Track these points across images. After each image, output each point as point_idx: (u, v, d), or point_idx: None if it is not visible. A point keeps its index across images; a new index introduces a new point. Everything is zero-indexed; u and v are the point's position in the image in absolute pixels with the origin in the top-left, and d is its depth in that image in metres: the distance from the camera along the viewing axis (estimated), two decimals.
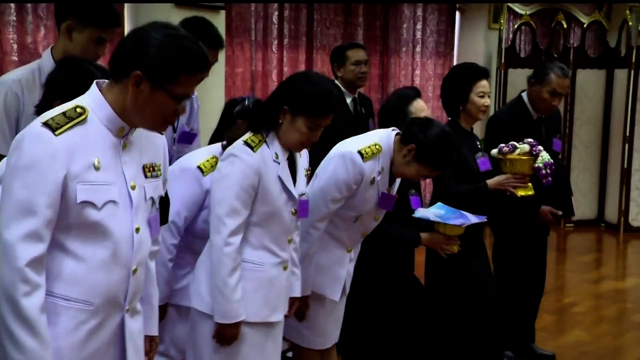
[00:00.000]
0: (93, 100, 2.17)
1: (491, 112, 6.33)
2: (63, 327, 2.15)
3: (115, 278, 2.21)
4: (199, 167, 3.16)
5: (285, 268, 2.99)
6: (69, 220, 2.11)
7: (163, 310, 3.11)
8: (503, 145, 4.12)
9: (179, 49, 2.13)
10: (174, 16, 4.95)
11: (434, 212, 3.73)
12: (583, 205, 8.97)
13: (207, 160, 3.18)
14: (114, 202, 2.17)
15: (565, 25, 9.48)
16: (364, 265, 3.72)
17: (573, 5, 11.45)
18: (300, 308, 3.33)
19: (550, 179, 4.17)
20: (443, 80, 4.29)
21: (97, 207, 2.13)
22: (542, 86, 4.63)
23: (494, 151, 4.18)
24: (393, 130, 3.46)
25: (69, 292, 2.15)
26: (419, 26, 8.91)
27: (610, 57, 9.03)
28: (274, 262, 2.94)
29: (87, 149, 2.11)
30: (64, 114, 2.10)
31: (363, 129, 4.60)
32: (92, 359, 2.22)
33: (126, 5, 5.65)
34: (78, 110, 2.13)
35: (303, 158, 3.10)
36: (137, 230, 2.24)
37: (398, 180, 3.54)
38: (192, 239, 3.21)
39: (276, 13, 7.13)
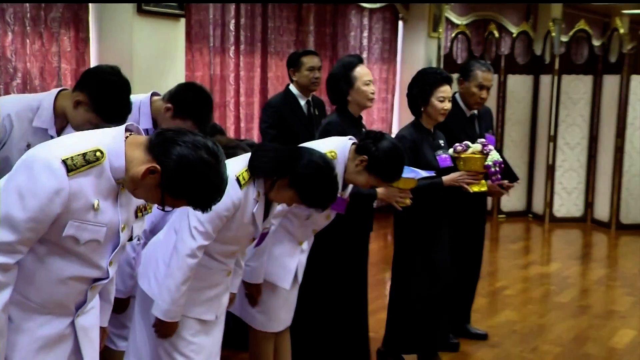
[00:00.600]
0: (115, 147, 2.05)
1: None
2: (16, 318, 2.09)
3: (74, 292, 2.15)
4: None
5: (228, 274, 2.95)
6: (51, 240, 2.02)
7: (127, 302, 3.17)
8: (457, 144, 4.12)
9: (196, 183, 2.07)
10: (136, 23, 4.80)
11: None
12: (513, 198, 9.05)
13: None
14: (97, 241, 2.08)
15: (496, 35, 9.51)
16: (318, 255, 3.70)
17: (503, 16, 11.53)
18: (252, 294, 3.39)
19: (499, 176, 4.15)
20: (409, 83, 4.22)
21: (79, 243, 2.04)
22: (470, 82, 4.69)
23: (450, 150, 4.17)
24: (350, 139, 3.46)
25: (28, 292, 2.08)
26: (365, 34, 8.85)
27: (536, 64, 9.09)
28: (220, 268, 2.90)
29: (91, 192, 2.02)
30: (84, 156, 1.99)
31: (316, 128, 4.60)
32: (47, 349, 2.15)
33: (90, 11, 5.42)
34: (97, 154, 2.02)
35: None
36: (111, 263, 2.18)
37: (350, 186, 3.53)
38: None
39: (233, 21, 7.01)
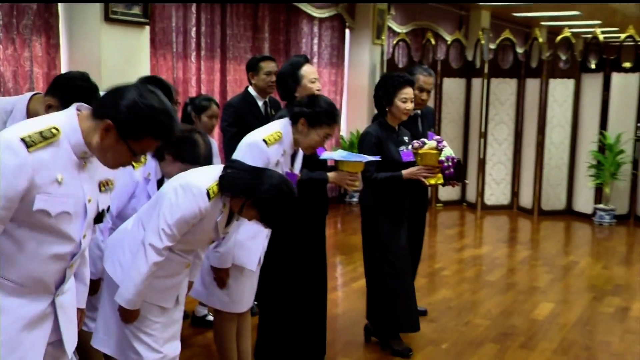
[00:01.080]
0: (69, 124, 2.06)
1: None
2: None
3: (52, 270, 2.13)
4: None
5: (187, 266, 2.92)
6: (23, 218, 2.00)
7: (98, 284, 3.08)
8: (415, 141, 4.10)
9: (148, 116, 2.04)
10: (104, 31, 4.76)
11: (338, 153, 3.78)
12: (449, 189, 9.07)
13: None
14: (67, 213, 2.06)
15: (433, 42, 9.61)
16: (278, 239, 3.65)
17: (438, 26, 11.68)
18: (222, 278, 3.35)
19: (452, 170, 4.08)
20: (376, 85, 4.23)
21: (50, 215, 2.02)
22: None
23: (409, 147, 4.16)
24: (288, 120, 3.47)
25: (8, 273, 2.06)
26: (315, 41, 8.87)
27: (468, 69, 9.18)
28: (180, 261, 2.87)
29: (53, 166, 2.01)
30: (40, 133, 1.99)
31: None
32: (29, 328, 2.12)
33: (60, 18, 5.34)
34: (53, 131, 2.02)
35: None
36: (84, 236, 2.17)
37: (298, 164, 3.56)
38: (121, 223, 3.10)
39: (194, 29, 6.96)
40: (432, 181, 4.10)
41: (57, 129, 2.03)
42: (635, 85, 8.34)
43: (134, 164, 2.59)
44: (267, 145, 3.31)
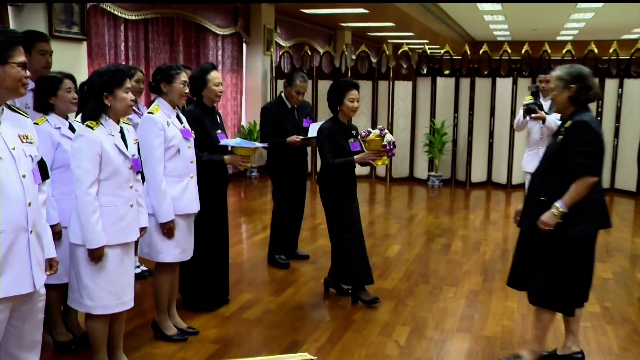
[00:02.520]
0: None
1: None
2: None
3: (17, 209, 2.06)
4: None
5: (132, 206, 2.81)
6: None
7: (57, 227, 2.96)
8: (362, 130, 3.95)
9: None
10: (51, 45, 4.48)
11: (233, 140, 3.75)
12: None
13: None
14: (0, 158, 2.02)
15: (309, 53, 9.64)
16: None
17: (314, 41, 11.77)
18: (170, 229, 3.24)
19: (393, 152, 3.87)
20: (328, 89, 4.04)
21: None
22: (291, 87, 4.71)
23: (359, 136, 4.01)
24: (157, 97, 3.38)
25: None
26: (220, 52, 8.74)
27: (336, 73, 9.20)
28: (122, 202, 2.75)
29: None
30: None
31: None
32: (10, 271, 2.07)
33: None
34: None
35: (131, 132, 2.89)
36: (24, 176, 2.10)
37: (182, 117, 3.43)
38: (59, 175, 3.05)
39: (123, 43, 6.70)
40: (379, 162, 3.91)
41: None
42: (452, 86, 8.67)
43: (37, 121, 2.51)
44: (153, 115, 3.22)
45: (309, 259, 5.08)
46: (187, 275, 3.82)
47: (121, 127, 2.80)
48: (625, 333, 3.68)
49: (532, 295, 3.05)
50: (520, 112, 5.23)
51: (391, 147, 3.83)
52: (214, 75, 3.69)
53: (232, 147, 3.74)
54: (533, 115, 5.02)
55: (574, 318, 3.14)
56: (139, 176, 2.96)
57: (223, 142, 3.72)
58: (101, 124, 2.69)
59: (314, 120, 5.09)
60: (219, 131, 3.77)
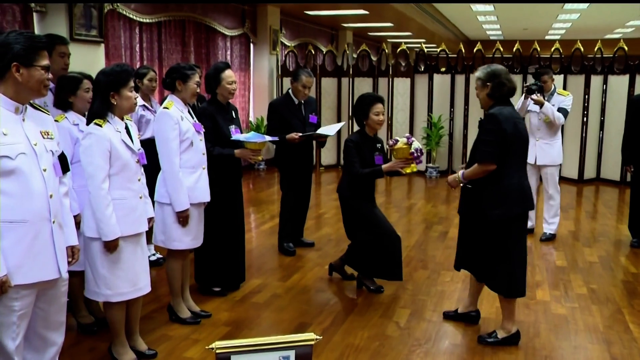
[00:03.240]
0: None
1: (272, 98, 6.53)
2: (9, 241, 2.03)
3: (39, 201, 2.08)
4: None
5: (140, 198, 2.80)
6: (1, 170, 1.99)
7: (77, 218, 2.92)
8: (390, 140, 3.76)
9: (21, 39, 2.05)
10: (70, 48, 4.51)
11: (244, 135, 3.70)
12: (329, 156, 9.18)
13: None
14: (24, 153, 2.04)
15: (313, 52, 9.61)
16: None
17: (317, 41, 11.73)
18: (185, 218, 3.23)
19: (421, 159, 3.68)
20: (354, 104, 3.93)
21: (12, 158, 2.00)
22: (298, 82, 4.65)
23: (386, 145, 3.87)
24: (171, 93, 3.36)
25: (9, 216, 2.02)
26: (229, 52, 8.70)
27: (339, 71, 9.23)
28: (132, 195, 2.74)
29: None
30: None
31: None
32: (36, 259, 2.09)
33: None
34: None
35: (134, 127, 2.87)
36: (45, 170, 2.12)
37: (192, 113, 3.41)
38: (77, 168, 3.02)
39: (138, 45, 6.68)
40: (408, 170, 3.70)
41: None
42: (448, 83, 8.65)
43: (56, 118, 2.52)
44: (168, 109, 3.21)
45: (314, 246, 5.08)
46: (204, 262, 3.82)
47: (126, 124, 2.80)
48: (610, 312, 3.69)
49: (494, 285, 3.20)
50: (521, 97, 5.18)
51: (419, 154, 3.66)
52: (228, 74, 3.67)
53: (242, 141, 3.72)
54: (533, 97, 4.95)
55: (480, 285, 3.42)
56: (143, 169, 2.95)
57: (234, 137, 3.69)
58: (108, 121, 2.69)
59: (319, 116, 5.04)
60: (233, 126, 3.74)
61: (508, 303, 3.21)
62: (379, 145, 3.92)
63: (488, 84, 3.10)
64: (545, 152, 5.13)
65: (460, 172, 3.19)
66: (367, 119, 3.83)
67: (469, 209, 3.21)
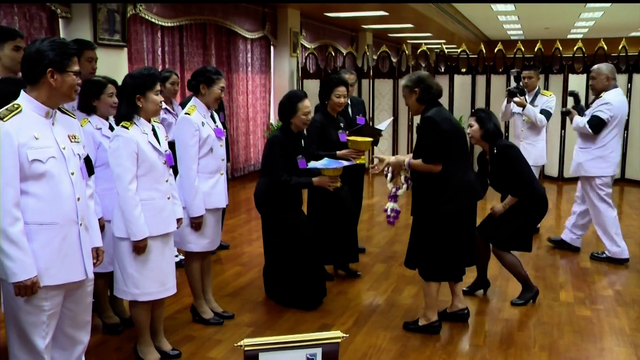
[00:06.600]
0: (24, 99, 2.11)
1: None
2: (39, 243, 2.08)
3: (68, 204, 2.13)
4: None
5: (169, 198, 2.83)
6: (26, 174, 2.04)
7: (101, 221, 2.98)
8: (393, 188, 3.50)
9: (55, 46, 2.10)
10: (96, 51, 4.59)
11: (321, 162, 3.60)
12: None
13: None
14: (53, 157, 2.09)
15: (333, 54, 9.59)
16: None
17: (337, 43, 11.72)
18: (200, 223, 3.23)
19: (392, 221, 3.54)
20: (320, 84, 4.05)
21: (42, 162, 2.05)
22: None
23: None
24: (192, 94, 3.36)
25: (39, 219, 2.07)
26: (249, 55, 8.75)
27: (359, 73, 9.13)
28: (160, 196, 2.77)
29: (28, 128, 2.06)
30: (7, 109, 2.07)
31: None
32: (64, 260, 2.14)
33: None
34: (15, 106, 2.10)
35: (161, 129, 2.90)
36: (72, 173, 2.16)
37: (215, 117, 3.40)
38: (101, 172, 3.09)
39: (160, 49, 6.77)
40: (358, 161, 3.88)
41: (18, 104, 2.10)
42: (469, 83, 8.60)
43: (80, 122, 2.57)
44: (190, 116, 3.19)
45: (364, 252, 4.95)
46: (283, 280, 3.73)
47: (153, 126, 2.83)
48: (636, 314, 3.62)
49: (421, 271, 3.32)
50: (504, 102, 5.25)
51: (394, 214, 3.48)
52: (305, 105, 3.55)
53: (319, 168, 3.55)
54: (515, 99, 5.08)
55: (458, 283, 3.46)
56: (171, 170, 2.96)
57: (311, 165, 3.56)
58: (135, 123, 2.72)
59: (366, 117, 4.83)
60: (300, 156, 3.60)
61: (428, 287, 3.29)
62: (342, 124, 4.11)
63: (416, 89, 3.20)
64: (528, 152, 4.99)
65: (407, 160, 3.25)
66: (328, 99, 4.01)
67: (420, 208, 3.24)
